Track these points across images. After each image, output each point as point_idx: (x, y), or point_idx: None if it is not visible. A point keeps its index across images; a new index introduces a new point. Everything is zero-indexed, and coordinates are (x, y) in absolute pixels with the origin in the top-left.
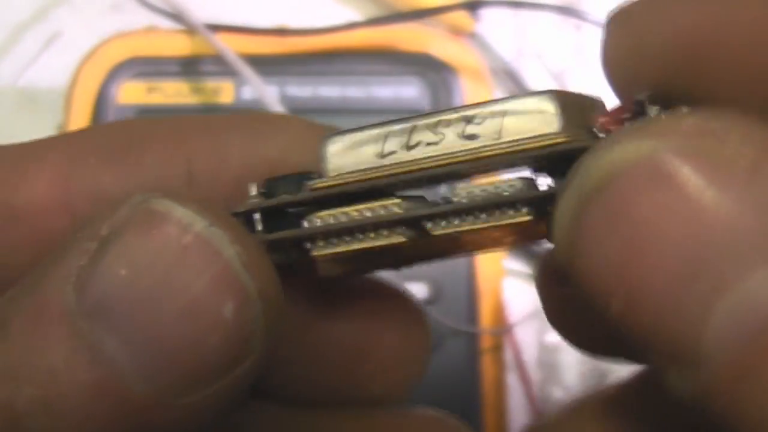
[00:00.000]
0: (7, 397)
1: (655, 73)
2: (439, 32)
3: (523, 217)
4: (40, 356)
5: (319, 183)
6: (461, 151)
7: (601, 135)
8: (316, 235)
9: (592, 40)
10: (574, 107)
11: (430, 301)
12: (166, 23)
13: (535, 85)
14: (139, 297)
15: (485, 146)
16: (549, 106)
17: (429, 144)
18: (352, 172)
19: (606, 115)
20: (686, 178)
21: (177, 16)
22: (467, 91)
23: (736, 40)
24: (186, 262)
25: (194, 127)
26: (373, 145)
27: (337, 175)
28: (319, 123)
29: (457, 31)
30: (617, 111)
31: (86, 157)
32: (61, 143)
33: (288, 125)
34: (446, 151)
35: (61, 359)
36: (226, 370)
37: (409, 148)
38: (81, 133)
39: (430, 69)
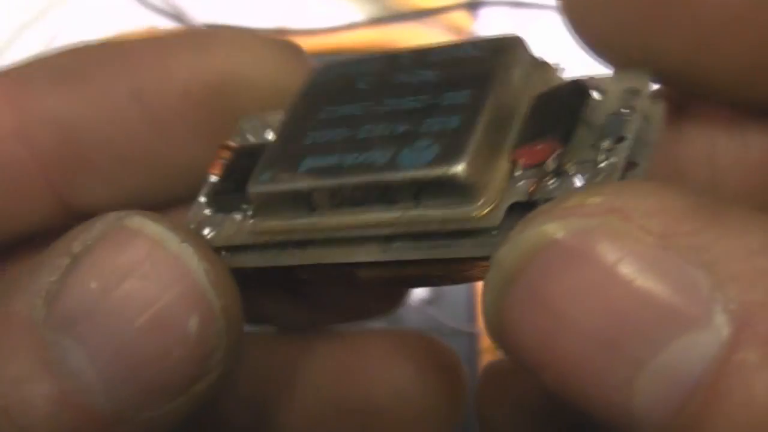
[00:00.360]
0: None
1: (611, 24)
2: (439, 32)
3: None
4: (3, 366)
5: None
6: (382, 226)
7: (518, 173)
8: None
9: None
10: (487, 146)
11: (430, 301)
12: (166, 23)
13: None
14: (107, 310)
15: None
16: (459, 175)
17: (354, 205)
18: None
19: (524, 152)
20: (594, 258)
21: (177, 16)
22: None
23: None
24: (155, 277)
25: (140, 47)
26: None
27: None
28: (267, 36)
29: (457, 31)
30: (535, 152)
31: (35, 82)
32: (12, 71)
33: (233, 38)
34: (368, 222)
35: (26, 370)
36: (187, 385)
37: (333, 206)
38: (29, 61)
39: None
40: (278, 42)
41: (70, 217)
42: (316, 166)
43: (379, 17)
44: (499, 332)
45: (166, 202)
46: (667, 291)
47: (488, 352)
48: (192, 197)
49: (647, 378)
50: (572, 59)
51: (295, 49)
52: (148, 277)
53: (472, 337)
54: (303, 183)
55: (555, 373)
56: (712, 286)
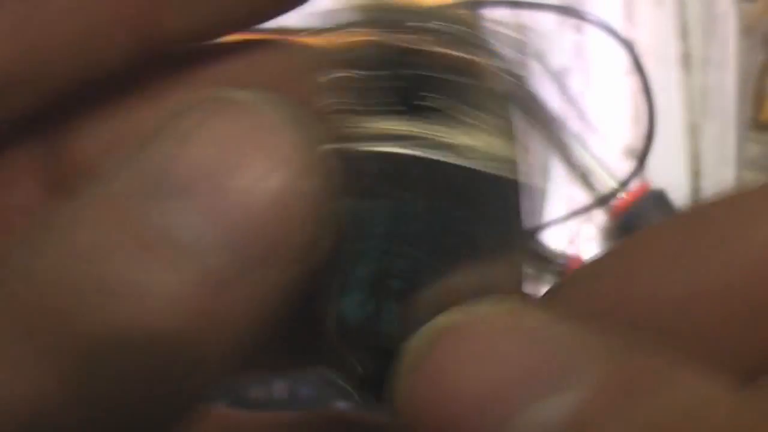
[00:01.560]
0: (63, 277)
1: None
2: None
3: None
4: (104, 240)
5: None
6: None
7: None
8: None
9: (592, 40)
10: None
11: None
12: None
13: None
14: (223, 179)
15: None
16: None
17: None
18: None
19: None
20: (482, 335)
21: None
22: None
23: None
24: (277, 144)
25: None
26: None
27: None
28: None
29: None
30: None
31: None
32: None
33: None
34: None
35: (128, 242)
36: (302, 252)
37: None
38: None
39: None
40: None
41: (149, 51)
42: None
43: None
44: (409, 415)
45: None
46: (533, 360)
47: None
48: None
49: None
50: (570, 59)
51: None
52: (269, 144)
53: None
54: None
55: None
56: (571, 357)
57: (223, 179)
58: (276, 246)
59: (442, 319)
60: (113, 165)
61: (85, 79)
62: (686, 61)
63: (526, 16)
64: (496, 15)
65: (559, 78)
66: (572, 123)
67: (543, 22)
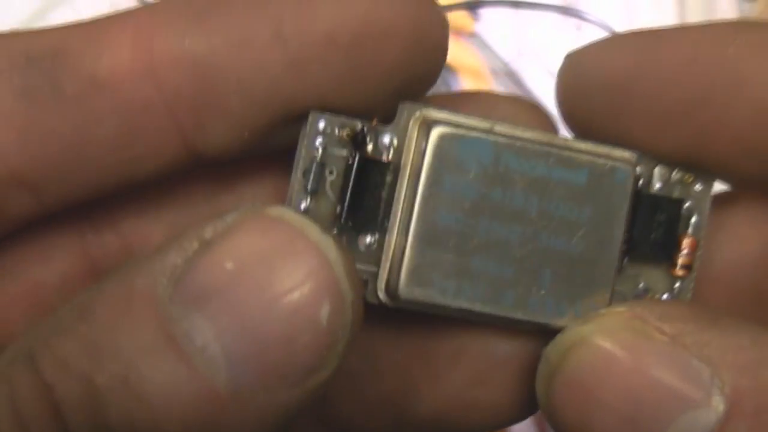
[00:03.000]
0: (86, 370)
1: (592, 113)
2: None
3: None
4: (124, 337)
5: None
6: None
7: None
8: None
9: (592, 40)
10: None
11: None
12: None
13: (535, 85)
14: (242, 290)
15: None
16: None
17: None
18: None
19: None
20: (618, 353)
21: None
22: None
23: (648, 81)
24: (296, 262)
25: None
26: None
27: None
28: None
29: (457, 31)
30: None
31: (169, 20)
32: (144, 10)
33: None
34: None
35: (149, 343)
36: (308, 374)
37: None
38: (164, 0)
39: None
40: None
41: (195, 161)
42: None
43: None
44: (548, 413)
45: (289, 146)
46: (674, 379)
47: None
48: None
49: None
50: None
51: (431, 1)
52: (289, 262)
53: None
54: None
55: None
56: (711, 375)
57: (241, 295)
58: (284, 367)
59: (573, 332)
60: (140, 260)
61: (130, 178)
62: None
63: (526, 16)
64: (496, 15)
65: None
66: None
67: (543, 22)
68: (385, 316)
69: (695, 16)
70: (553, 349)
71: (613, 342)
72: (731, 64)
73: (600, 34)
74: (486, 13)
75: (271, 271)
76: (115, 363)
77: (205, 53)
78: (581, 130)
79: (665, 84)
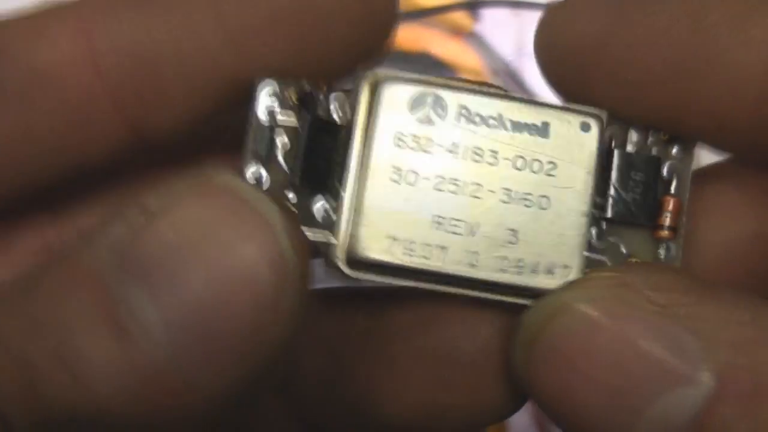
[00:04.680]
0: (23, 348)
1: (565, 71)
2: (439, 32)
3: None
4: (63, 312)
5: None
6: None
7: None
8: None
9: None
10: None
11: None
12: None
13: (535, 85)
14: (183, 261)
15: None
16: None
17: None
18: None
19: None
20: (604, 322)
21: None
22: None
23: (618, 47)
24: (240, 233)
25: None
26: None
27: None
28: None
29: (457, 31)
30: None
31: (108, 7)
32: (83, 1)
33: None
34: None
35: (86, 316)
36: (255, 347)
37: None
38: None
39: (429, 69)
40: None
41: (141, 145)
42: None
43: None
44: (526, 383)
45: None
46: (662, 351)
47: None
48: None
49: (644, 424)
50: None
51: None
52: (232, 232)
53: None
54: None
55: (571, 418)
56: (702, 349)
57: (182, 267)
58: (228, 339)
59: (556, 298)
60: (87, 235)
61: (80, 166)
62: None
63: (526, 16)
64: (495, 15)
65: None
66: None
67: None
68: (352, 315)
69: None
70: (532, 316)
71: (598, 309)
72: (707, 35)
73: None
74: (486, 13)
75: (211, 241)
76: (52, 339)
77: (144, 39)
78: (560, 90)
79: (636, 51)
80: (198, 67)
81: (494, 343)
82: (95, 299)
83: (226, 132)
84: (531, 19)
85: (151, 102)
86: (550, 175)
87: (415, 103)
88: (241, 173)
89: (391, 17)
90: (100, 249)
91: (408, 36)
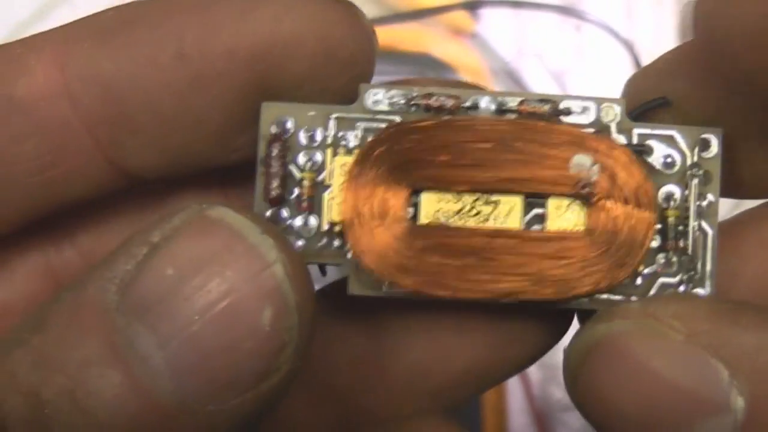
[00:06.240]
0: (34, 384)
1: (738, 51)
2: (439, 32)
3: None
4: (72, 348)
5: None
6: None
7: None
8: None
9: (592, 40)
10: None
11: None
12: None
13: (535, 85)
14: (181, 297)
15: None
16: None
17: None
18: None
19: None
20: (631, 354)
21: None
22: None
23: None
24: (232, 267)
25: (185, 5)
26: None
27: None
28: None
29: (457, 31)
30: None
31: (80, 41)
32: (58, 33)
33: None
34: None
35: (95, 354)
36: (256, 381)
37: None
38: (76, 21)
39: (430, 69)
40: (331, 1)
41: (125, 180)
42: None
43: (379, 17)
44: (573, 399)
45: (210, 163)
46: (691, 381)
47: None
48: (239, 159)
49: None
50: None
51: (350, 8)
52: (226, 267)
53: None
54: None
55: None
56: (730, 377)
57: (181, 303)
58: (230, 375)
59: (589, 333)
60: (92, 269)
61: (62, 196)
62: None
63: (526, 16)
64: (496, 15)
65: (558, 78)
66: None
67: (543, 22)
68: (337, 311)
69: None
70: (572, 352)
71: (626, 343)
72: None
73: (600, 34)
74: (486, 13)
75: (207, 277)
76: (62, 376)
77: (112, 73)
78: (728, 73)
79: None
80: (163, 102)
81: (484, 353)
82: (102, 335)
83: (235, 168)
84: (531, 19)
85: (122, 135)
86: None
87: None
88: (256, 199)
89: (360, 53)
90: (104, 281)
91: (408, 36)
